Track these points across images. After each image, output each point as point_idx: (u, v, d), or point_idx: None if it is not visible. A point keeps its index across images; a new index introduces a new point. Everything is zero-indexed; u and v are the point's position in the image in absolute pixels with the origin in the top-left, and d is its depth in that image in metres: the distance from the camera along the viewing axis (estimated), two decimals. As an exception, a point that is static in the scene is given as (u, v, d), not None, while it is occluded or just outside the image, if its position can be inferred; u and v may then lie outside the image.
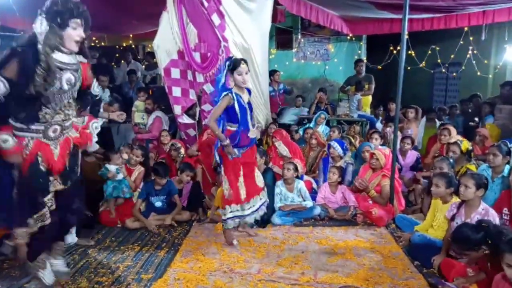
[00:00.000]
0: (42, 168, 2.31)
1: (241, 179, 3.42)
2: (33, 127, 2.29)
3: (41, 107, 2.27)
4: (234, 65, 3.24)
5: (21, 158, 2.24)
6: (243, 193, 3.42)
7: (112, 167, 3.99)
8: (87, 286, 2.79)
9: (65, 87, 2.31)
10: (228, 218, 3.43)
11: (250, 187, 3.48)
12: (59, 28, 2.23)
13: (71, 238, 3.43)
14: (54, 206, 2.40)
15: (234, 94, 3.23)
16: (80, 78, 2.44)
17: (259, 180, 3.61)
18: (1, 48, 3.69)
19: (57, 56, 2.26)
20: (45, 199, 2.35)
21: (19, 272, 2.98)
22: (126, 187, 4.04)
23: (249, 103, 3.38)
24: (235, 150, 3.31)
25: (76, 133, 2.51)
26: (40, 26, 2.19)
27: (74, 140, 2.48)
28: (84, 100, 2.61)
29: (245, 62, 3.29)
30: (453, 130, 4.81)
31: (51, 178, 2.36)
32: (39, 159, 2.30)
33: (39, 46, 2.18)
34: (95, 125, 2.61)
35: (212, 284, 2.82)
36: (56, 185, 2.40)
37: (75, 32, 2.28)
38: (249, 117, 3.34)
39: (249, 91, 3.44)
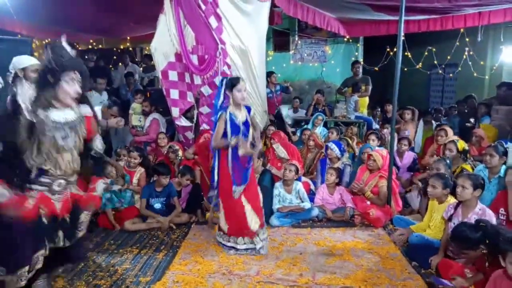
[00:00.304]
0: (45, 220, 2.22)
1: (248, 207, 3.32)
2: (41, 179, 2.22)
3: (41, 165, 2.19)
4: (232, 82, 3.21)
5: (18, 211, 2.12)
6: (254, 223, 3.32)
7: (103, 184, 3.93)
8: (85, 289, 2.79)
9: (59, 142, 2.20)
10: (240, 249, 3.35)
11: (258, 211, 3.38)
12: (52, 85, 2.17)
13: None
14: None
15: (228, 114, 3.19)
16: (82, 132, 2.34)
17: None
18: (0, 51, 3.72)
19: (53, 114, 2.19)
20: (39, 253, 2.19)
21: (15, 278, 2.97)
22: (126, 197, 4.00)
23: (245, 123, 3.27)
24: (234, 188, 3.25)
25: (80, 191, 2.44)
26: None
27: (78, 199, 2.39)
28: (83, 164, 2.42)
29: (243, 80, 3.30)
30: (450, 131, 4.84)
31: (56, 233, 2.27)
32: (42, 212, 2.21)
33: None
34: (103, 186, 2.61)
35: (211, 286, 2.83)
36: (59, 241, 2.28)
37: (69, 87, 2.20)
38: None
39: (248, 109, 3.35)
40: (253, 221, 3.32)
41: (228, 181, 3.29)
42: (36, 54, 6.89)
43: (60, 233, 2.27)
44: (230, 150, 3.21)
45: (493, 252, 2.24)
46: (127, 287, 2.83)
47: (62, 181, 2.29)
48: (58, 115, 2.22)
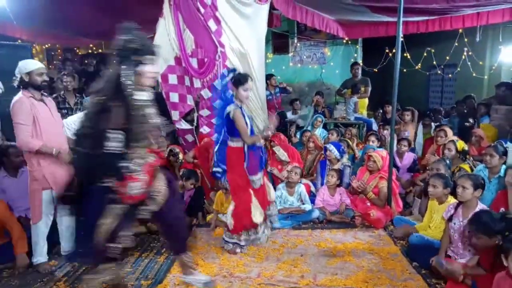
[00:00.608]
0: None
1: (254, 200, 3.35)
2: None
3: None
4: (241, 80, 3.20)
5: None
6: (258, 215, 3.35)
7: None
8: (87, 293, 2.79)
9: (150, 121, 2.30)
10: (243, 245, 3.40)
11: (263, 204, 3.43)
12: (135, 66, 2.23)
13: (69, 246, 3.41)
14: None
15: (241, 109, 3.22)
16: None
17: (271, 193, 3.60)
18: (1, 56, 3.73)
19: (139, 95, 2.26)
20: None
21: (18, 281, 2.99)
22: None
23: (249, 116, 3.36)
24: (252, 178, 3.31)
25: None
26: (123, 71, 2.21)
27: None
28: None
29: (251, 79, 3.31)
30: (450, 131, 4.84)
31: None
32: None
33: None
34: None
35: (212, 288, 2.83)
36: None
37: (150, 68, 2.28)
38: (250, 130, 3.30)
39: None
40: (257, 213, 3.36)
41: (242, 174, 3.31)
42: (36, 59, 6.92)
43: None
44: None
45: (505, 247, 2.23)
46: (129, 290, 2.83)
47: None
48: (143, 95, 2.28)
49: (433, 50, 7.74)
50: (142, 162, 2.28)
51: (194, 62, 4.80)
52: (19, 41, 6.47)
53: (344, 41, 8.17)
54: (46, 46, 8.94)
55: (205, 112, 5.08)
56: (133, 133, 2.20)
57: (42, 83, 3.01)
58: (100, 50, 9.00)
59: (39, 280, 2.99)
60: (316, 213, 4.12)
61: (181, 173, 4.37)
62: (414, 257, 3.22)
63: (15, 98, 2.98)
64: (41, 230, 3.13)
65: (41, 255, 3.16)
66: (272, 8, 5.26)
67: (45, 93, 3.11)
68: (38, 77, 2.98)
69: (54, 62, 8.90)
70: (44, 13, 5.65)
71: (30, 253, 3.19)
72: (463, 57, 7.18)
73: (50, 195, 3.09)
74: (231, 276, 3.02)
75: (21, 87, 3.00)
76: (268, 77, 6.75)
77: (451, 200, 3.28)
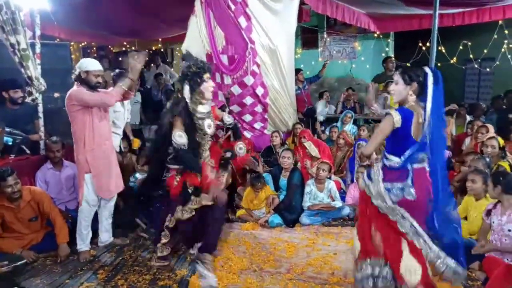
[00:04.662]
0: (189, 190, 2.87)
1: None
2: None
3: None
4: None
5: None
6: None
7: (142, 176, 4.04)
8: (124, 284, 2.92)
9: (208, 131, 2.85)
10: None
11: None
12: (198, 86, 2.76)
13: (108, 236, 3.58)
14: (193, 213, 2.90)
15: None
16: (213, 120, 2.96)
17: None
18: (42, 55, 3.93)
19: (199, 108, 2.80)
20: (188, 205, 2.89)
21: (60, 268, 3.16)
22: None
23: None
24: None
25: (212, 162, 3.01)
26: (186, 91, 2.77)
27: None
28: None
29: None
30: (491, 128, 4.66)
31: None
32: (187, 184, 2.86)
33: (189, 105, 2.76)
34: (240, 146, 3.18)
35: (243, 282, 2.88)
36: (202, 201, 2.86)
37: (209, 84, 2.81)
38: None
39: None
40: None
41: None
42: (73, 57, 7.21)
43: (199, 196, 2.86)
44: None
45: None
46: (164, 280, 2.93)
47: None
48: (203, 108, 2.82)
49: (469, 43, 7.43)
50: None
51: (224, 59, 4.86)
52: (58, 39, 6.76)
53: (375, 35, 7.99)
54: (82, 44, 9.29)
55: (235, 108, 5.13)
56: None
57: (95, 84, 3.16)
58: (133, 48, 9.25)
59: (79, 269, 3.14)
60: (346, 210, 4.09)
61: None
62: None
63: (71, 89, 3.15)
64: (83, 214, 3.30)
65: (84, 243, 3.33)
66: (301, 3, 5.23)
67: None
68: (94, 78, 3.14)
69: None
70: (81, 13, 5.88)
71: (70, 243, 3.37)
72: (503, 50, 6.86)
73: (91, 180, 3.24)
74: (262, 270, 3.06)
75: (77, 81, 3.15)
76: (296, 72, 6.71)
77: (490, 200, 3.17)
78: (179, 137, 2.62)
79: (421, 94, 2.28)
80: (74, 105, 3.10)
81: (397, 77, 2.34)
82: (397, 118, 2.22)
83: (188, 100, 2.76)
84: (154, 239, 3.25)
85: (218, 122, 3.18)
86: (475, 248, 2.93)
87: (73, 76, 3.17)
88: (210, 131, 2.86)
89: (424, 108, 2.23)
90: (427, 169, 2.30)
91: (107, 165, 3.31)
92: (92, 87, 3.16)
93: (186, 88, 2.76)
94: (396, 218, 2.28)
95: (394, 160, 2.32)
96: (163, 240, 3.05)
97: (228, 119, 3.17)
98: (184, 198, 2.87)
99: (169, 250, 3.14)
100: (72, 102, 3.10)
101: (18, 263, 3.02)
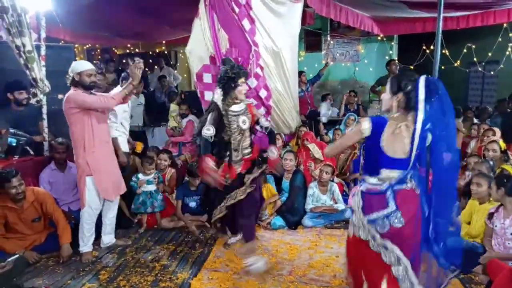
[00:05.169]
0: (228, 182, 3.04)
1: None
2: (228, 154, 3.07)
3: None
4: None
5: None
6: None
7: (143, 178, 4.06)
8: (126, 285, 2.92)
9: (243, 127, 3.05)
10: None
11: None
12: (233, 89, 3.00)
13: (110, 238, 3.59)
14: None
15: None
16: (250, 116, 3.14)
17: None
18: (47, 57, 3.96)
19: (232, 107, 3.04)
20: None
21: (63, 269, 3.17)
22: (158, 201, 4.06)
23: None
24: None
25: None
26: (217, 95, 3.06)
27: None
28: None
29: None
30: (498, 132, 4.64)
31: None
32: (227, 176, 3.03)
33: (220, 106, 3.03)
34: (272, 149, 3.20)
35: (245, 284, 2.88)
36: (238, 195, 3.03)
37: (243, 88, 3.02)
38: None
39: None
40: None
41: None
42: (77, 59, 7.25)
43: (238, 190, 3.03)
44: None
45: None
46: (166, 282, 2.93)
47: (240, 154, 3.09)
48: (237, 107, 3.06)
49: (473, 46, 7.40)
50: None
51: (228, 61, 4.87)
52: (62, 42, 6.80)
53: (379, 38, 7.99)
54: (87, 46, 9.35)
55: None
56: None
57: (90, 83, 3.17)
58: (137, 50, 9.29)
59: (81, 270, 3.15)
60: (349, 213, 4.06)
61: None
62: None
63: (68, 92, 3.16)
64: (85, 218, 3.29)
65: (86, 245, 3.33)
66: (305, 6, 5.23)
67: (93, 93, 3.25)
68: (87, 78, 3.15)
69: (94, 61, 9.30)
70: (85, 15, 5.92)
71: (73, 244, 3.38)
72: (507, 53, 6.82)
73: (93, 184, 3.23)
74: (264, 272, 3.05)
75: (72, 85, 3.17)
76: (298, 74, 6.71)
77: (493, 204, 3.15)
78: (207, 130, 2.93)
79: (408, 107, 2.00)
80: (72, 108, 3.10)
81: (387, 84, 2.12)
82: (365, 126, 2.02)
83: (219, 103, 3.02)
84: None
85: (257, 127, 3.24)
86: (483, 258, 2.90)
87: (68, 82, 3.17)
88: (245, 126, 3.06)
89: (415, 122, 1.94)
90: (417, 191, 2.00)
91: (108, 167, 3.32)
92: (88, 87, 3.17)
93: (218, 92, 3.05)
94: (380, 249, 2.04)
95: (371, 181, 2.07)
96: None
97: (265, 122, 3.26)
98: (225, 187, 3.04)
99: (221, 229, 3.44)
100: (71, 105, 3.10)
101: (12, 258, 2.90)
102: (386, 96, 2.12)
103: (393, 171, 2.01)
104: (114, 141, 3.77)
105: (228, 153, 3.06)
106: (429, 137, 1.95)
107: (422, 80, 1.97)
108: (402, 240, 2.02)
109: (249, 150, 3.14)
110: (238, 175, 3.05)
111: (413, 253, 2.03)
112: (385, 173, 2.03)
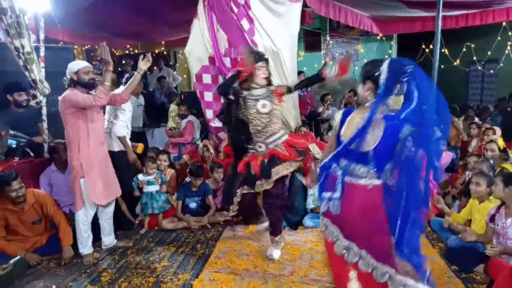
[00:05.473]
0: (252, 172, 3.13)
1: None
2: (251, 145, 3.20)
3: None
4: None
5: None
6: None
7: (143, 178, 4.05)
8: (127, 286, 2.92)
9: (262, 110, 3.09)
10: None
11: None
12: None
13: (111, 239, 3.58)
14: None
15: None
16: (275, 100, 3.18)
17: None
18: (46, 58, 3.95)
19: (252, 92, 3.12)
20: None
21: (64, 271, 3.16)
22: (158, 202, 4.04)
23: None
24: None
25: (284, 150, 3.18)
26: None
27: (278, 154, 3.14)
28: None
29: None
30: (499, 131, 4.64)
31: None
32: (250, 164, 3.15)
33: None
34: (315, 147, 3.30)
35: (246, 285, 2.88)
36: (260, 186, 3.11)
37: (261, 72, 3.10)
38: None
39: None
40: None
41: None
42: (77, 60, 7.23)
43: (259, 182, 3.09)
44: None
45: None
46: (167, 283, 2.93)
47: (262, 144, 3.16)
48: (257, 91, 3.13)
49: (473, 45, 7.41)
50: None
51: (227, 62, 4.86)
52: (61, 43, 6.79)
53: (378, 37, 7.99)
54: (86, 47, 9.33)
55: (238, 111, 5.13)
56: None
57: (89, 80, 3.16)
58: (136, 51, 9.28)
59: (83, 271, 3.15)
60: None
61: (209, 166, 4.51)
62: (453, 260, 3.13)
63: (65, 92, 3.14)
64: (80, 219, 3.27)
65: (85, 246, 3.33)
66: (304, 5, 5.23)
67: (91, 92, 3.23)
68: (84, 75, 3.14)
69: (93, 62, 9.28)
70: (84, 16, 5.91)
71: (74, 246, 3.37)
72: (507, 51, 6.83)
73: (85, 186, 3.20)
74: (265, 273, 3.05)
75: (71, 86, 3.15)
76: (298, 73, 6.71)
77: (494, 202, 3.15)
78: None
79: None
80: (68, 108, 3.09)
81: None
82: (337, 118, 2.07)
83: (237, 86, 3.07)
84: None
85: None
86: (488, 250, 2.86)
87: (66, 84, 3.16)
88: (264, 110, 3.10)
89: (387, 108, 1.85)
90: (369, 186, 1.90)
91: (101, 170, 3.28)
92: (87, 85, 3.15)
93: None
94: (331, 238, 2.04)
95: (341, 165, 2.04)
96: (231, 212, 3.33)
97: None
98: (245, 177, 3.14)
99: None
100: (66, 105, 3.09)
101: (13, 261, 2.95)
102: (359, 88, 2.05)
103: (346, 161, 2.00)
104: (123, 140, 3.77)
105: (246, 138, 3.15)
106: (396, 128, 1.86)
107: (386, 62, 1.90)
108: (351, 228, 2.00)
109: (278, 136, 3.17)
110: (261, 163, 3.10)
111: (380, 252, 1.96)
112: (342, 162, 2.03)
